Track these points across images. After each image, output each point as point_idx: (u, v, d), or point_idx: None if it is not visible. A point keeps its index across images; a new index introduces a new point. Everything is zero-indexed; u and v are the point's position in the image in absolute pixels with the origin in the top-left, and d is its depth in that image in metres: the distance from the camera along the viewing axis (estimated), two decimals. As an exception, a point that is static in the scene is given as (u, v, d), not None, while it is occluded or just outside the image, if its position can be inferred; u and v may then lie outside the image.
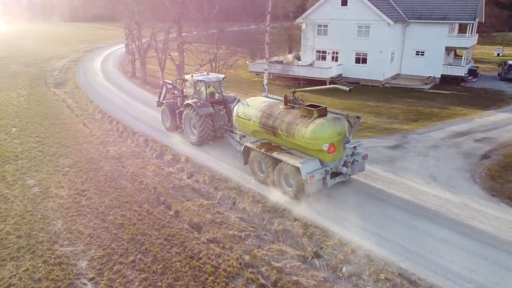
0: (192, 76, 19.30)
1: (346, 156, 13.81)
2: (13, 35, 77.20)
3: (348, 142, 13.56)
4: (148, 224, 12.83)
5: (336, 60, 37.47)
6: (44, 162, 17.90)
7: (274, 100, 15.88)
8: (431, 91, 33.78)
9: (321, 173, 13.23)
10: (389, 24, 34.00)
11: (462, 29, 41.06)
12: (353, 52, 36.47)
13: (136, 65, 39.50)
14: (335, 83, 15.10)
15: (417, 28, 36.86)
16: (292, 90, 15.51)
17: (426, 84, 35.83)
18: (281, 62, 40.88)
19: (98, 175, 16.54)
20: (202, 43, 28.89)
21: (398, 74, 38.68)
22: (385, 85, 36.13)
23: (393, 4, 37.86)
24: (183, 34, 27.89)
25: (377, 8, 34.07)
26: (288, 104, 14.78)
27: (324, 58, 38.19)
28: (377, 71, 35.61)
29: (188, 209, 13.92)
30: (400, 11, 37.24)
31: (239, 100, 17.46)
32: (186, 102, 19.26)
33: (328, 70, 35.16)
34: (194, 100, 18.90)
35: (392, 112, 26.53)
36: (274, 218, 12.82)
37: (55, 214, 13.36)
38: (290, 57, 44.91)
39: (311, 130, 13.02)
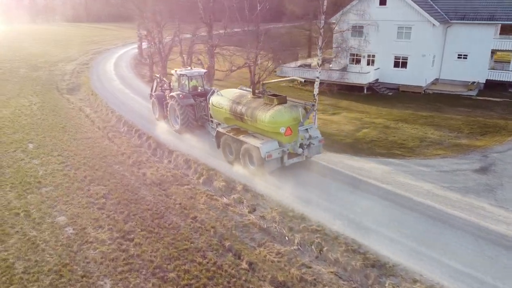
0: (176, 71, 21.02)
1: (302, 139, 15.24)
2: (16, 36, 74.26)
3: (301, 125, 15.18)
4: (223, 285, 9.98)
5: (372, 64, 34.64)
6: (73, 191, 15.05)
7: (244, 91, 17.73)
8: (480, 98, 30.94)
9: (279, 153, 15.10)
10: (433, 25, 31.16)
11: (504, 31, 38.22)
12: (391, 55, 33.59)
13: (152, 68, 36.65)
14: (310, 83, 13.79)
15: (460, 30, 34.02)
16: (262, 83, 17.70)
17: (470, 90, 32.96)
18: (309, 66, 38.18)
19: (142, 209, 13.68)
20: (236, 47, 26.05)
21: (437, 79, 35.84)
22: (427, 91, 33.29)
23: (432, 4, 35.01)
24: (220, 31, 25.06)
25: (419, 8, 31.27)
26: (255, 94, 16.68)
27: (358, 61, 35.34)
28: (419, 76, 32.75)
29: (264, 259, 11.07)
30: (440, 11, 34.40)
31: (214, 92, 19.13)
32: (170, 94, 20.81)
33: (366, 75, 32.34)
34: (178, 92, 20.38)
35: (451, 123, 23.68)
36: (384, 277, 9.99)
37: (100, 269, 10.50)
38: (315, 60, 42.21)
39: (270, 115, 14.92)
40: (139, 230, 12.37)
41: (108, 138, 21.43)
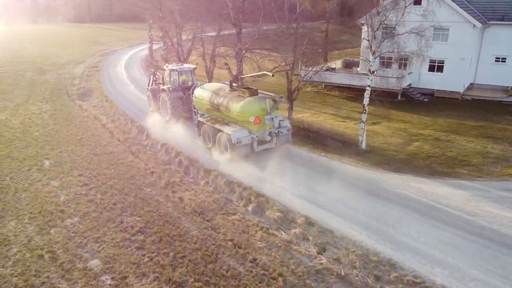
0: (167, 66, 22.73)
1: (270, 128, 16.87)
2: (18, 37, 72.02)
3: (269, 115, 16.73)
4: None
5: (404, 68, 32.39)
6: (102, 223, 12.79)
7: (223, 85, 19.14)
8: (525, 105, 28.73)
9: (248, 140, 16.57)
10: (474, 26, 28.97)
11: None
12: (426, 59, 31.26)
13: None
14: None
15: (499, 31, 31.75)
16: (239, 77, 19.63)
17: (511, 96, 30.75)
18: (333, 70, 35.92)
19: (189, 249, 11.42)
20: (267, 50, 23.81)
21: (472, 84, 33.58)
22: (464, 97, 31.06)
23: (467, 3, 32.74)
24: (248, 28, 22.93)
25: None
26: (232, 87, 18.03)
27: (389, 65, 33.09)
28: (456, 80, 30.52)
29: (356, 322, 8.84)
30: (477, 11, 32.15)
31: (197, 85, 20.53)
32: (161, 88, 22.52)
33: (401, 80, 30.08)
34: (168, 86, 22.10)
35: (508, 135, 21.45)
36: None
37: None
38: (339, 64, 39.99)
39: (240, 106, 16.53)
40: (192, 280, 10.10)
41: (131, 153, 19.18)
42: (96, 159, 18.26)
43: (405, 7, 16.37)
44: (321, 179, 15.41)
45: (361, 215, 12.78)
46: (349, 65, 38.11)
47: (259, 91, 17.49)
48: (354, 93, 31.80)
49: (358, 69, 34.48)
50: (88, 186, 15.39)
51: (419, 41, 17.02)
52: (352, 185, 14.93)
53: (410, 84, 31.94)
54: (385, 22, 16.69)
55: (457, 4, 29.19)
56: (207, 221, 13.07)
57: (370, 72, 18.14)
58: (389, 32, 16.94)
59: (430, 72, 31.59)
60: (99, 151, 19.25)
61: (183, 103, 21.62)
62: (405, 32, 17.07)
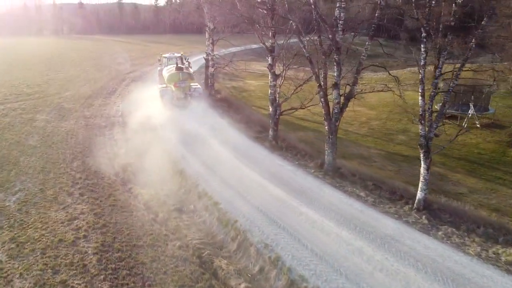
0: (161, 54, 32.16)
1: (185, 90, 25.90)
2: (23, 53, 58.38)
3: (179, 82, 25.90)
4: None
5: None
6: None
7: (174, 65, 28.25)
8: None
9: (169, 95, 25.77)
10: None
11: None
12: None
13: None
14: None
15: None
16: (187, 59, 30.73)
17: None
18: None
19: None
20: None
21: None
22: None
23: None
24: None
25: None
26: (176, 68, 27.09)
27: None
28: None
29: None
30: None
31: (165, 67, 30.08)
32: (158, 68, 32.02)
33: None
34: (162, 67, 30.66)
35: None
36: None
37: None
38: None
39: (168, 75, 26.72)
40: None
41: None
42: None
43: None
44: None
45: None
46: None
47: (184, 68, 27.39)
48: None
49: None
50: None
51: None
52: None
53: None
54: None
55: None
56: None
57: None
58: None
59: None
60: None
61: None
62: None
